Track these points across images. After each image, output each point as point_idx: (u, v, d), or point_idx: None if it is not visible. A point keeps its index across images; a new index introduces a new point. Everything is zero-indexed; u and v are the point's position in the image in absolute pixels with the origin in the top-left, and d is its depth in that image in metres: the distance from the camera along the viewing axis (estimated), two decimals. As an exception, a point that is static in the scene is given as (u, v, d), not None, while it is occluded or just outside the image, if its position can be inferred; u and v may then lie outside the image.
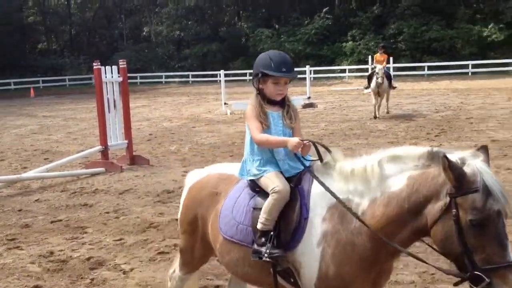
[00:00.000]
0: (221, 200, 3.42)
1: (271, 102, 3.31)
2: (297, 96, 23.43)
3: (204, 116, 20.25)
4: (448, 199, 2.52)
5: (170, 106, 25.61)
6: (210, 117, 19.83)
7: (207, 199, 3.52)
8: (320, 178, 3.02)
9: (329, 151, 3.13)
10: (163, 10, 54.08)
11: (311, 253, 2.91)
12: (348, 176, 2.92)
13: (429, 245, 2.78)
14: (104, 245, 6.23)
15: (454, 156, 2.57)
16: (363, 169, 2.86)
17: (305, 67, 24.68)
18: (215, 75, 37.35)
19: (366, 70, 34.74)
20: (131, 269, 5.43)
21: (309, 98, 22.06)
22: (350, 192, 2.90)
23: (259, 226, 3.07)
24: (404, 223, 2.72)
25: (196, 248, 3.68)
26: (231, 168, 3.66)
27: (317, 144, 3.20)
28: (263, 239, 3.05)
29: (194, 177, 3.82)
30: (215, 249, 3.46)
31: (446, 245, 2.56)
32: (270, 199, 3.07)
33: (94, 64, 11.10)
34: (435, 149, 2.72)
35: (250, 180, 3.30)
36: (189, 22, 51.98)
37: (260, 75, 3.26)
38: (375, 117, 16.74)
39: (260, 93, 3.32)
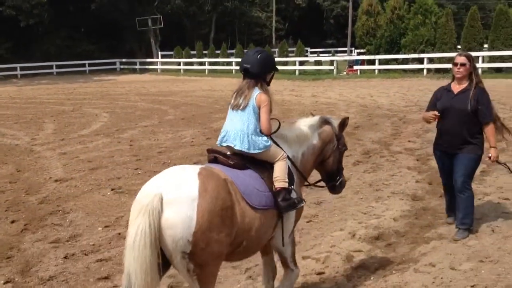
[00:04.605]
0: (234, 184, 3.66)
1: None
2: None
3: None
4: (336, 141, 4.51)
5: None
6: None
7: (225, 189, 3.55)
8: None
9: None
10: None
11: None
12: (289, 141, 4.24)
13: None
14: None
15: (331, 118, 4.60)
16: (295, 135, 4.31)
17: None
18: None
19: None
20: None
21: None
22: (294, 151, 4.28)
23: (285, 185, 3.91)
24: (316, 162, 4.49)
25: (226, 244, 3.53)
26: (188, 169, 3.64)
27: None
28: (288, 194, 3.92)
29: (187, 182, 3.44)
30: (243, 223, 3.61)
31: (333, 167, 4.53)
32: (283, 163, 3.97)
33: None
34: (324, 116, 4.59)
35: (244, 156, 3.94)
36: None
37: (274, 72, 4.15)
38: None
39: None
